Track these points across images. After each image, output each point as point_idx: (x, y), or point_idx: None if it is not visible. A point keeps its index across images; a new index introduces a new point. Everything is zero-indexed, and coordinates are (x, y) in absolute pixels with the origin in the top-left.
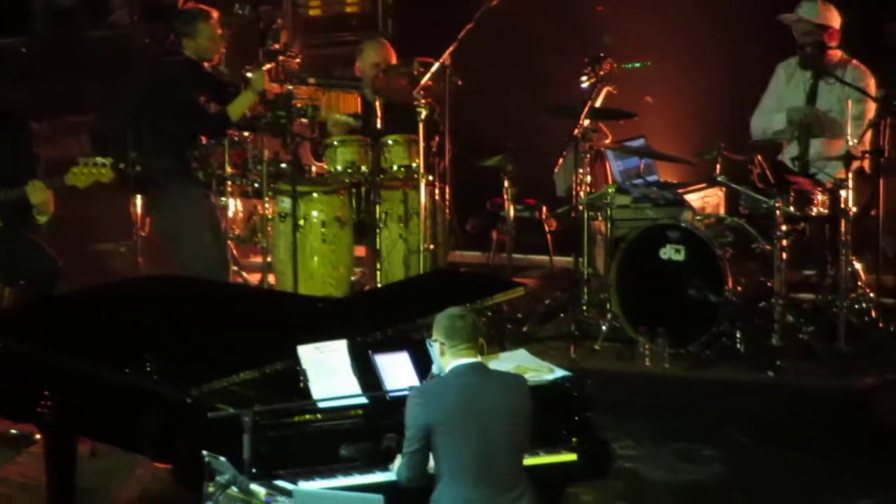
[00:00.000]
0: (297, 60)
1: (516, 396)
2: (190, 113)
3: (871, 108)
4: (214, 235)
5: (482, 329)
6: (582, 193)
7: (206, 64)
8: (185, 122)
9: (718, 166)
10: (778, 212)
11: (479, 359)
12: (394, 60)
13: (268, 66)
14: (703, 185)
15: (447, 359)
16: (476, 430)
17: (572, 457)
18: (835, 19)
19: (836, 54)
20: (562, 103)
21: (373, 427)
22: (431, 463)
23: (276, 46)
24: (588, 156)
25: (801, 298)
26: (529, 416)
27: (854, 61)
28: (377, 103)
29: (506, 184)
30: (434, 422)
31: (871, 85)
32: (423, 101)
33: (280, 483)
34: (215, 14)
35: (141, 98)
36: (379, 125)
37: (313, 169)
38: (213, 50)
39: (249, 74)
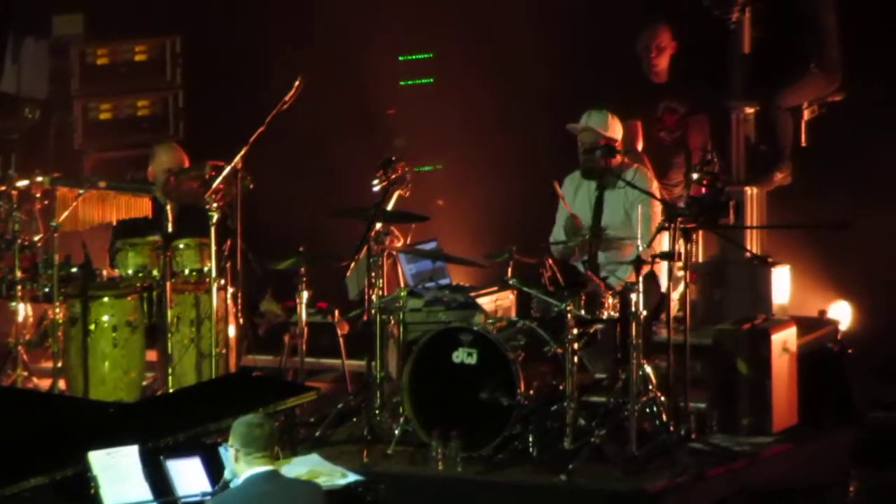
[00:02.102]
0: None
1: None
2: None
3: (658, 211)
4: None
5: (278, 436)
6: (374, 297)
7: None
8: None
9: (510, 269)
10: (569, 315)
11: (273, 467)
12: (186, 164)
13: None
14: (495, 288)
15: (241, 465)
16: None
17: None
18: (619, 130)
19: (618, 160)
20: (354, 206)
21: None
22: None
23: None
24: (380, 259)
25: (593, 401)
26: None
27: (636, 165)
28: (169, 206)
29: (298, 287)
30: None
31: (656, 188)
32: (214, 204)
33: None
34: None
35: None
36: (170, 229)
37: (104, 273)
38: None
39: None
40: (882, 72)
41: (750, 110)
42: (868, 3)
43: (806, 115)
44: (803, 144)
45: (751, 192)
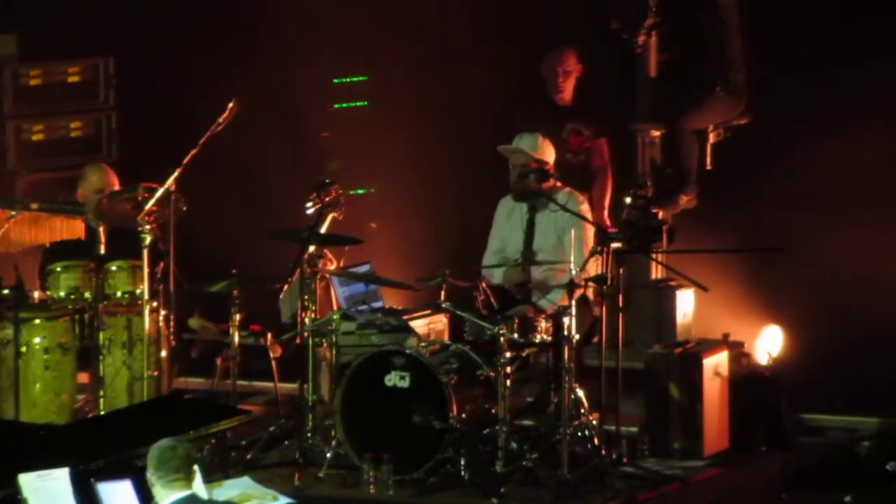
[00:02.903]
0: None
1: None
2: None
3: (591, 235)
4: None
5: (196, 458)
6: (307, 320)
7: None
8: None
9: (443, 293)
10: (502, 338)
11: (192, 490)
12: (116, 185)
13: None
14: (428, 311)
15: (160, 491)
16: None
17: None
18: (550, 154)
19: (550, 182)
20: (288, 228)
21: None
22: None
23: None
24: (313, 282)
25: (525, 425)
26: None
27: (567, 188)
28: (101, 228)
29: (231, 310)
30: None
31: (587, 210)
32: (147, 226)
33: None
34: None
35: None
36: (103, 251)
37: (36, 295)
38: None
39: None
40: (787, 96)
41: (656, 133)
42: (773, 28)
43: (711, 138)
44: (709, 167)
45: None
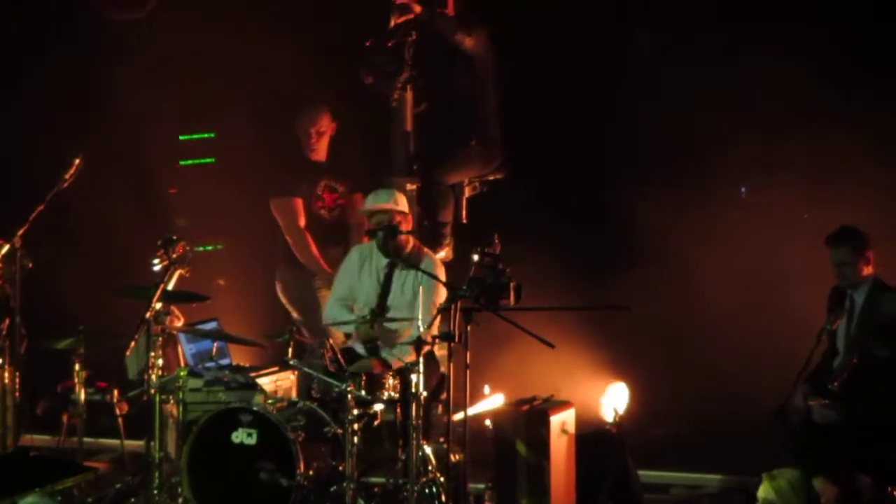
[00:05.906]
0: None
1: None
2: None
3: (441, 295)
4: None
5: None
6: (154, 376)
7: None
8: None
9: (291, 349)
10: (349, 395)
11: None
12: None
13: None
14: (276, 368)
15: None
16: None
17: None
18: (406, 206)
19: (409, 242)
20: (134, 285)
21: None
22: None
23: None
24: (160, 339)
25: (373, 482)
26: None
27: (426, 249)
28: None
29: (77, 366)
30: None
31: (441, 272)
32: None
33: None
34: None
35: None
36: None
37: None
38: None
39: None
40: (543, 151)
41: (412, 186)
42: (528, 83)
43: (467, 191)
44: (464, 221)
45: None
